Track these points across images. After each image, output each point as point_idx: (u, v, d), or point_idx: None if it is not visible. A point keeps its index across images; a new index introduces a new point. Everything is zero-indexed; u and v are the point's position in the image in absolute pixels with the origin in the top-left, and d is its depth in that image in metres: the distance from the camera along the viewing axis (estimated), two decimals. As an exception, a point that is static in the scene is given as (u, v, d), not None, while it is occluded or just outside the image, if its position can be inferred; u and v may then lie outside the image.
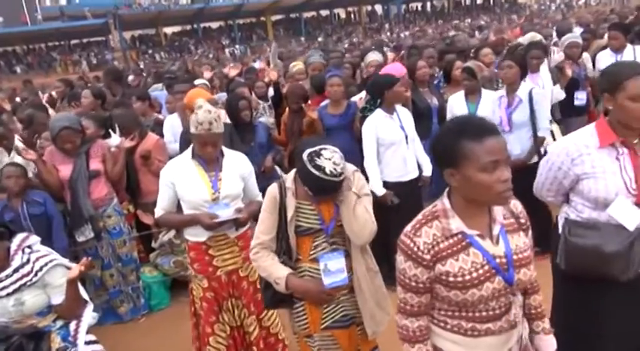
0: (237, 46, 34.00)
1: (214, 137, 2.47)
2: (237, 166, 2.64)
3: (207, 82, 5.28)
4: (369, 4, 40.35)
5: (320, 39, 33.18)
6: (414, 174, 3.67)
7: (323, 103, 4.32)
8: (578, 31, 7.15)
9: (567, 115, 4.86)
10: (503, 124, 3.69)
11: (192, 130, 2.46)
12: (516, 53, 5.08)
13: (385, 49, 8.06)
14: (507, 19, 29.14)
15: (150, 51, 33.99)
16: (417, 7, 41.86)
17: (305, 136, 4.41)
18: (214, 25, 38.32)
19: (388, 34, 31.36)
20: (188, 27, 38.45)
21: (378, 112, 3.65)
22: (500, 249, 1.50)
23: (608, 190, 1.92)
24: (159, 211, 2.70)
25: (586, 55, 5.20)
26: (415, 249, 1.48)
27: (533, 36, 5.13)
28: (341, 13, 41.11)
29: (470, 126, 1.42)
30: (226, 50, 33.07)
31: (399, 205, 3.51)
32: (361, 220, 2.06)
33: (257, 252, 2.15)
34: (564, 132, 4.81)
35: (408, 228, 1.53)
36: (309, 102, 4.53)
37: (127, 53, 32.01)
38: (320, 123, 4.23)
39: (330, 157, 1.93)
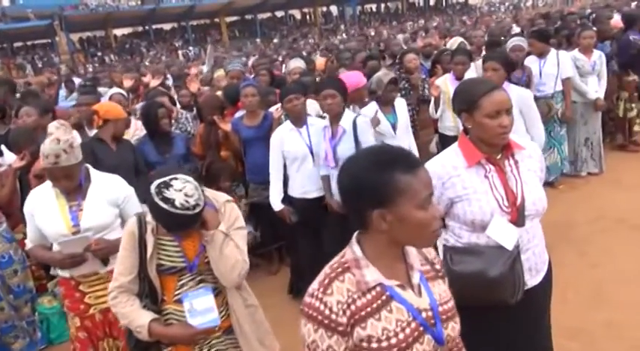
0: (190, 48, 33.34)
1: (65, 170, 2.20)
2: (106, 192, 2.37)
3: (123, 92, 4.95)
4: (324, 6, 40.34)
5: (275, 40, 32.89)
6: (321, 192, 3.45)
7: (238, 114, 4.11)
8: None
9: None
10: (328, 160, 3.21)
11: (41, 161, 2.19)
12: (442, 59, 5.02)
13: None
14: (459, 20, 29.69)
15: (99, 53, 32.87)
16: (371, 8, 42.14)
17: (223, 150, 4.21)
18: (167, 26, 37.39)
19: (344, 35, 31.41)
20: (139, 28, 37.42)
21: (286, 125, 3.48)
22: (424, 301, 1.27)
23: (483, 211, 1.82)
24: (28, 244, 2.46)
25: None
26: (327, 312, 1.19)
27: (456, 41, 5.06)
28: (296, 14, 40.93)
29: (400, 156, 1.22)
30: (179, 52, 32.37)
31: (303, 222, 3.36)
32: (230, 261, 1.86)
33: (115, 297, 1.92)
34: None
35: (314, 285, 1.24)
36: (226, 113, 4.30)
37: (74, 56, 30.82)
38: (235, 135, 4.01)
39: (181, 188, 1.71)
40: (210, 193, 1.94)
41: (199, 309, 1.88)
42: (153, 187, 1.71)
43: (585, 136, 5.39)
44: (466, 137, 1.88)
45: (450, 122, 4.54)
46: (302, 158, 3.43)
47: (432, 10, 40.69)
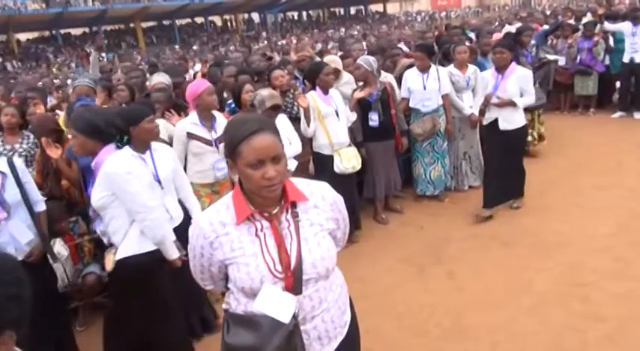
0: (103, 55, 31.57)
1: None
2: None
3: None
4: (245, 12, 39.80)
5: (195, 47, 31.96)
6: (177, 221, 3.06)
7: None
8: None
9: (371, 139, 4.67)
10: None
11: None
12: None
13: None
14: (378, 29, 30.34)
15: (0, 60, 30.31)
16: (293, 16, 42.17)
17: (63, 179, 3.73)
18: (77, 31, 35.23)
19: (265, 42, 31.08)
20: (46, 33, 34.98)
21: (124, 152, 3.07)
22: None
23: (251, 277, 1.51)
24: None
25: (390, 76, 5.07)
26: None
27: (331, 60, 4.88)
28: (217, 20, 40.06)
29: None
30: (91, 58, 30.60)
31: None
32: None
33: None
34: (366, 155, 4.65)
35: None
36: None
37: (-28, 62, 28.22)
38: (74, 163, 3.54)
39: None
40: None
41: None
42: None
43: (464, 150, 5.40)
44: (239, 187, 1.57)
45: (324, 140, 4.35)
46: (151, 186, 3.02)
47: (352, 19, 41.38)
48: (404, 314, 3.43)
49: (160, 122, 3.74)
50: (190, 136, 3.56)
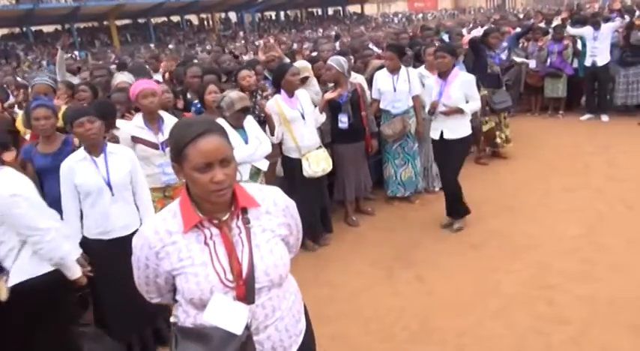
0: (76, 53, 30.83)
1: None
2: None
3: None
4: (222, 11, 39.47)
5: (171, 46, 31.51)
6: (124, 231, 2.97)
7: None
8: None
9: (341, 141, 4.62)
10: None
11: None
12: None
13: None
14: (353, 30, 30.42)
15: (-34, 57, 29.38)
16: (271, 15, 41.99)
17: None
18: (49, 28, 34.38)
19: (242, 41, 30.87)
20: (17, 30, 34.06)
21: (78, 153, 2.96)
22: None
23: (200, 288, 1.43)
24: None
25: (360, 77, 5.03)
26: None
27: (302, 67, 4.80)
28: (194, 19, 39.62)
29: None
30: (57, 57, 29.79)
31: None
32: None
33: None
34: (336, 157, 4.61)
35: None
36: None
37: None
38: (29, 165, 3.40)
39: None
40: None
41: None
42: None
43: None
44: (187, 193, 1.49)
45: (291, 144, 4.27)
46: (97, 192, 2.92)
47: (330, 20, 41.40)
48: (371, 318, 3.38)
49: (120, 124, 3.64)
50: (135, 139, 3.44)
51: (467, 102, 4.34)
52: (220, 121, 3.71)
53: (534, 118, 8.17)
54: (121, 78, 4.26)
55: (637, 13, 8.78)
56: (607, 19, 7.86)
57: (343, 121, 4.45)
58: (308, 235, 4.56)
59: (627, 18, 7.86)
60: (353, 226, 4.86)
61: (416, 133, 5.14)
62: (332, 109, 4.53)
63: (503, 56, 7.38)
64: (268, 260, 1.49)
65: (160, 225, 1.48)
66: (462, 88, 4.30)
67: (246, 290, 1.45)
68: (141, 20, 36.54)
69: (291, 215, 1.63)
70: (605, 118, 7.58)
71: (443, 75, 4.33)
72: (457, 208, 4.56)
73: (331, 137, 4.64)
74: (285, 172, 4.44)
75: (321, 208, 4.47)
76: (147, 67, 6.36)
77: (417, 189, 5.36)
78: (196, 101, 4.18)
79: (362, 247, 4.44)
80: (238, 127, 3.67)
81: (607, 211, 4.59)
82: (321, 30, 33.21)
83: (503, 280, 3.64)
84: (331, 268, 4.10)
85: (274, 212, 1.56)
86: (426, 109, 4.56)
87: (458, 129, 4.33)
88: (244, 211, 1.51)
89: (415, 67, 5.46)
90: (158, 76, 6.03)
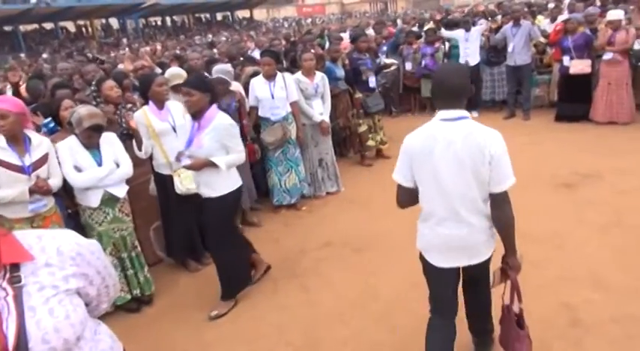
0: None
1: None
2: None
3: None
4: (102, 18, 37.05)
5: (45, 55, 28.89)
6: None
7: None
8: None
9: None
10: None
11: None
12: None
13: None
14: (246, 35, 30.11)
15: None
16: (156, 21, 40.25)
17: None
18: None
19: (127, 49, 29.20)
20: None
21: None
22: None
23: None
24: None
25: (236, 84, 4.88)
26: None
27: (175, 74, 4.53)
28: (70, 26, 36.73)
29: None
30: None
31: None
32: None
33: None
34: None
35: None
36: None
37: None
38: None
39: None
40: None
41: None
42: None
43: (319, 158, 5.40)
44: None
45: (162, 159, 3.99)
46: None
47: (219, 25, 40.64)
48: (254, 339, 3.24)
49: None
50: None
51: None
52: (72, 138, 3.36)
53: (414, 117, 8.53)
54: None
55: (498, 17, 9.55)
56: (474, 23, 8.46)
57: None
58: (189, 255, 4.32)
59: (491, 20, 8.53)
60: (238, 240, 4.68)
61: (297, 139, 5.10)
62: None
63: (386, 60, 7.67)
64: (47, 324, 1.24)
65: None
66: (217, 136, 3.23)
67: None
68: (7, 28, 33.15)
69: (88, 262, 1.38)
70: (475, 113, 8.12)
71: (195, 116, 3.27)
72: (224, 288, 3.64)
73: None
74: (158, 189, 4.14)
75: (200, 226, 4.23)
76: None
77: (303, 195, 5.33)
78: (47, 120, 3.74)
79: (247, 262, 4.27)
80: (91, 146, 3.33)
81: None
82: (210, 36, 32.44)
83: (382, 283, 3.65)
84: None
85: (58, 263, 1.31)
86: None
87: (216, 183, 3.32)
88: (15, 267, 1.26)
89: (292, 72, 5.41)
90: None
